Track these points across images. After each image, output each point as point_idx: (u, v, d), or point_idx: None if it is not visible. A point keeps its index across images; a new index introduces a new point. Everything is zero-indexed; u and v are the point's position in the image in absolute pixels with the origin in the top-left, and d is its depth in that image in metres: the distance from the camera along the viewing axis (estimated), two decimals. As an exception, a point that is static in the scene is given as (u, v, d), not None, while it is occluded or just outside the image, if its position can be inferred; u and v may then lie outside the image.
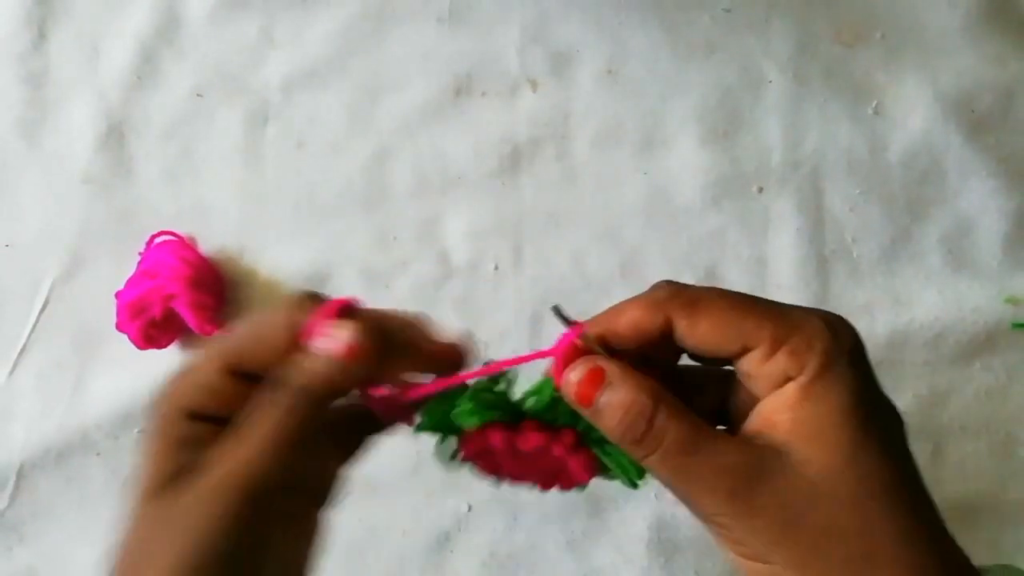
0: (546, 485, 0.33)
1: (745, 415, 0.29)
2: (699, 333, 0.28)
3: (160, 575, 0.28)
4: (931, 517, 0.27)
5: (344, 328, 0.29)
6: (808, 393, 0.27)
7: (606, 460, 0.30)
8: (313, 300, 0.30)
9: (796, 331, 0.27)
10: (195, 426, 0.29)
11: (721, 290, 0.30)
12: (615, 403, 0.28)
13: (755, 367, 0.28)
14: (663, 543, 0.53)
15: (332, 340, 0.29)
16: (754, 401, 0.29)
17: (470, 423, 0.30)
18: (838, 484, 0.26)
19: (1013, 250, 0.57)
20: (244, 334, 0.30)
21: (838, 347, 0.27)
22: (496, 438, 0.30)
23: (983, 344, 0.56)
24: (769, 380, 0.28)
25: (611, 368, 0.29)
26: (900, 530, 0.26)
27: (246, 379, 0.30)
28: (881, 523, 0.26)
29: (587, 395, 0.28)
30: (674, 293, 0.29)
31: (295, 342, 0.29)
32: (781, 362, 0.27)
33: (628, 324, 0.30)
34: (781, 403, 0.27)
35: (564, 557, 0.54)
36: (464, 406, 0.30)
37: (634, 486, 0.30)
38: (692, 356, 0.30)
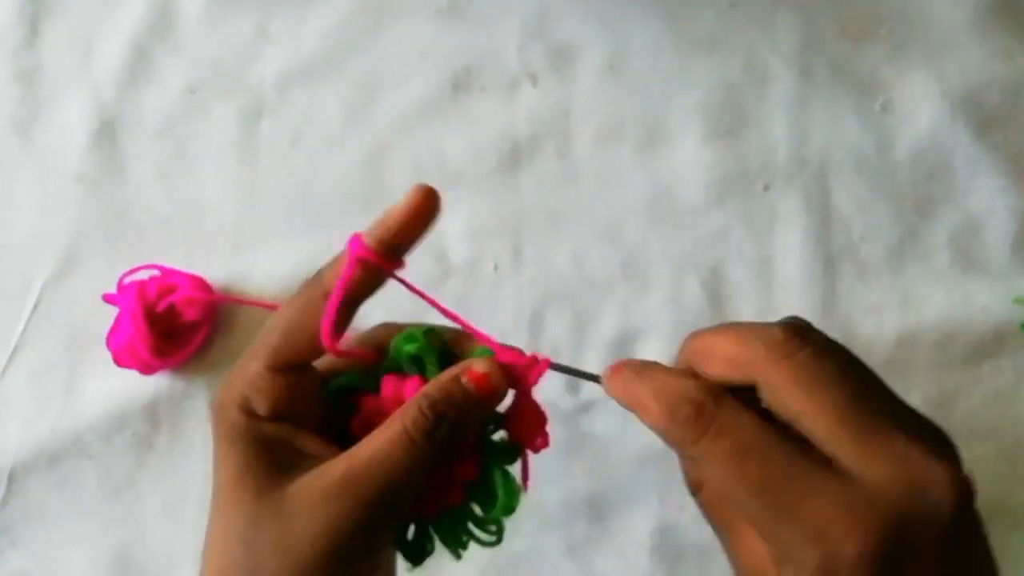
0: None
1: None
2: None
3: (284, 571, 0.28)
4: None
5: (490, 367, 0.32)
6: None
7: (494, 474, 0.33)
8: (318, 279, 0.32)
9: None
10: (269, 425, 0.31)
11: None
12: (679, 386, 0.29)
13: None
14: (666, 549, 0.53)
15: (477, 376, 0.31)
16: None
17: (408, 349, 0.33)
18: None
19: (1022, 249, 0.57)
20: (279, 332, 0.32)
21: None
22: (399, 385, 0.32)
23: (992, 345, 0.55)
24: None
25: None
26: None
27: (290, 371, 0.32)
28: None
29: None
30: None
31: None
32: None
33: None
34: None
35: (565, 563, 0.53)
36: (411, 331, 0.33)
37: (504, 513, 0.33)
38: None
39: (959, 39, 0.59)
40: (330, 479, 0.29)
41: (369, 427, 0.32)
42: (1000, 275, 0.56)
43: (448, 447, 0.31)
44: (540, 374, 0.32)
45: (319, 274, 0.32)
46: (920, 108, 0.58)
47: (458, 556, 0.34)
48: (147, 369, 0.54)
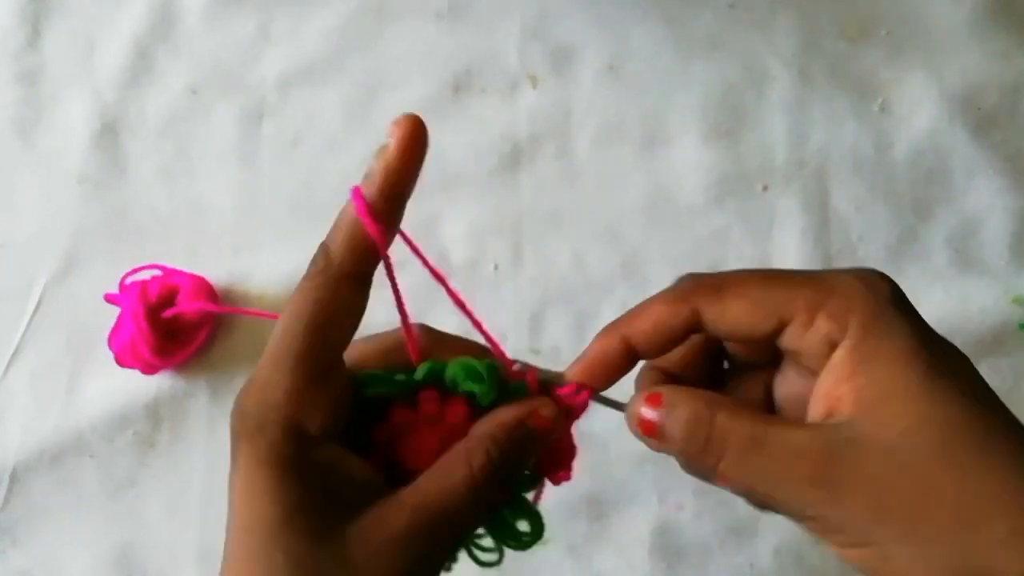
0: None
1: (798, 399, 0.28)
2: (730, 316, 0.27)
3: None
4: None
5: (554, 411, 0.30)
6: (860, 356, 0.25)
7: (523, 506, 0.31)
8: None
9: (831, 293, 0.26)
10: (321, 450, 0.27)
11: (746, 269, 0.29)
12: (679, 421, 0.27)
13: (796, 340, 0.27)
14: (665, 548, 0.53)
15: (540, 416, 0.29)
16: (805, 381, 0.28)
17: (471, 387, 0.30)
18: (920, 444, 0.24)
19: (1020, 249, 0.57)
20: (306, 330, 0.27)
21: (877, 299, 0.26)
22: (441, 405, 0.30)
23: (990, 345, 0.55)
24: (815, 351, 0.26)
25: (666, 390, 0.28)
26: (1002, 480, 0.24)
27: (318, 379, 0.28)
28: (979, 474, 0.24)
29: (651, 426, 0.28)
30: (697, 282, 0.28)
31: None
32: (822, 328, 0.26)
33: (650, 321, 0.29)
34: (836, 377, 0.26)
35: (565, 562, 0.53)
36: (459, 364, 0.30)
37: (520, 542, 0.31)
38: (731, 344, 0.30)
39: (957, 40, 0.59)
40: (397, 526, 0.26)
41: (394, 441, 0.30)
42: (998, 275, 0.56)
43: (508, 488, 0.29)
44: (584, 407, 0.31)
45: (323, 252, 0.28)
46: (918, 109, 0.58)
47: (448, 569, 0.32)
48: (149, 369, 0.54)
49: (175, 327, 0.54)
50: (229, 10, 0.61)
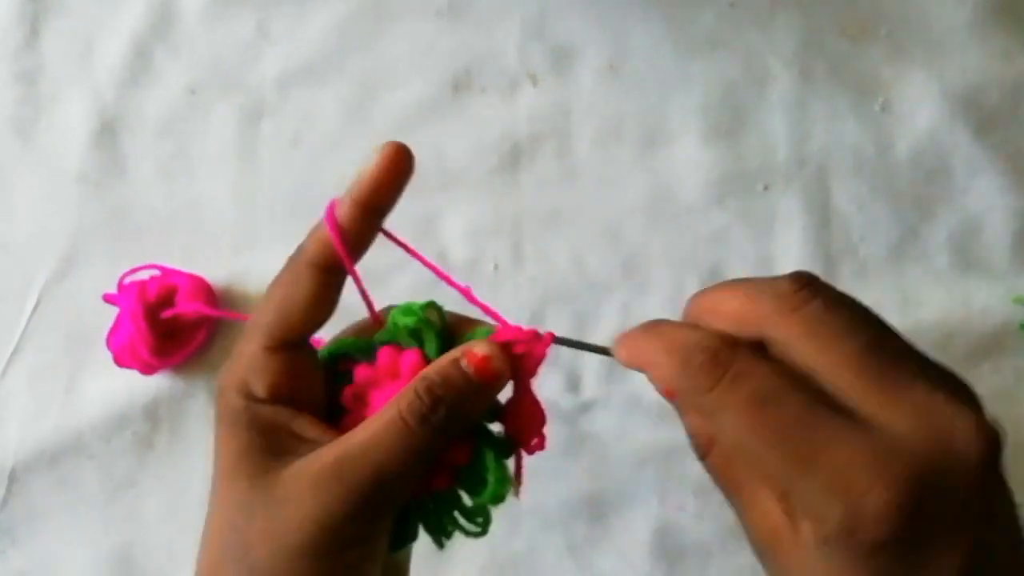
0: None
1: None
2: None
3: (272, 558, 0.28)
4: None
5: (491, 349, 0.30)
6: None
7: (486, 457, 0.31)
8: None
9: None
10: (266, 408, 0.30)
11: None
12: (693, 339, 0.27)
13: None
14: (666, 549, 0.53)
15: (481, 358, 0.30)
16: None
17: (405, 321, 0.31)
18: None
19: (1021, 249, 0.57)
20: (271, 310, 0.31)
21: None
22: (395, 356, 0.31)
23: (991, 345, 0.55)
24: None
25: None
26: None
27: (289, 348, 0.31)
28: None
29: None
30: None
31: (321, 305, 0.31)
32: None
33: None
34: None
35: (565, 563, 0.53)
36: (408, 305, 0.32)
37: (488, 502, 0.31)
38: None
39: (958, 39, 0.59)
40: (322, 464, 0.28)
41: (361, 398, 0.31)
42: (999, 275, 0.56)
43: (446, 434, 0.29)
44: (545, 349, 0.31)
45: (300, 248, 0.32)
46: (919, 108, 0.58)
47: (440, 545, 0.32)
48: (147, 369, 0.54)
49: (174, 327, 0.54)
50: (228, 9, 0.60)
